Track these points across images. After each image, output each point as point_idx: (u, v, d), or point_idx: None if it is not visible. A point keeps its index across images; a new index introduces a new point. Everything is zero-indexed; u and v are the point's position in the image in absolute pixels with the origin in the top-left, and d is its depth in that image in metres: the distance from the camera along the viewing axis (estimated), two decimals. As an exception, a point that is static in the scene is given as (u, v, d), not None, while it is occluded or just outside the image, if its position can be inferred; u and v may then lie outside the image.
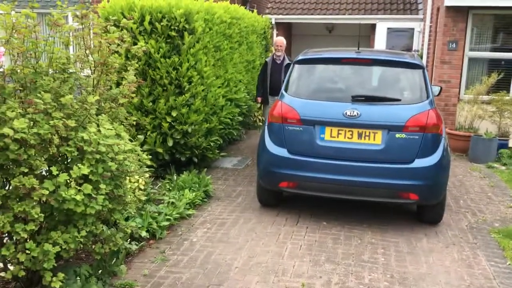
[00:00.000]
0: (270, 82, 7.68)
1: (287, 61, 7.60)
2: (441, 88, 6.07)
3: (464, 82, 8.85)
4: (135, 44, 5.01)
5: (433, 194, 4.67)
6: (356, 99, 4.79)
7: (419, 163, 4.58)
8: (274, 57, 7.74)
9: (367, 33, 16.01)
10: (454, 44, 8.63)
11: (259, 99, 7.99)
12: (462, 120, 8.56)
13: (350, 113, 4.66)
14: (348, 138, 4.70)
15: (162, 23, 5.89)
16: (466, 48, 8.71)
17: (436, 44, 9.58)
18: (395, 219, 5.12)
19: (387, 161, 4.61)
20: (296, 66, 5.25)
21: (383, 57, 5.32)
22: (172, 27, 5.95)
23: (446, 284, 3.74)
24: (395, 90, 5.04)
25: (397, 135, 4.59)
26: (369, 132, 4.65)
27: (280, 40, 7.80)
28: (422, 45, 12.55)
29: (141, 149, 3.81)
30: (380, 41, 15.12)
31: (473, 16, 8.57)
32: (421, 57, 11.13)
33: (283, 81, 6.95)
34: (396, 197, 4.68)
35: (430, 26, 11.03)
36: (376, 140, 4.63)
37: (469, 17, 8.56)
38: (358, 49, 5.35)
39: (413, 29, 14.57)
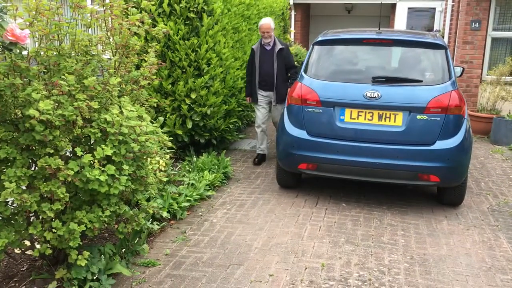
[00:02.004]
0: (260, 73, 6.18)
1: (279, 45, 6.10)
2: (463, 69, 5.96)
3: (487, 63, 8.67)
4: (154, 26, 5.01)
5: (454, 176, 4.63)
6: (376, 80, 4.74)
7: (440, 145, 4.53)
8: (262, 43, 6.15)
9: (387, 13, 15.74)
10: (477, 23, 8.43)
11: (249, 99, 6.42)
12: (484, 101, 8.41)
13: (371, 94, 4.61)
14: (368, 119, 4.66)
15: (181, 5, 5.88)
16: (489, 28, 8.51)
17: (458, 24, 9.37)
18: (415, 201, 5.10)
19: (408, 143, 4.57)
20: (316, 47, 5.20)
21: (405, 37, 5.23)
22: (191, 9, 5.93)
23: (467, 266, 3.73)
24: (416, 71, 4.97)
25: (418, 117, 4.53)
26: (390, 114, 4.61)
27: (266, 24, 6.06)
28: (444, 25, 12.29)
29: (161, 131, 3.84)
30: (400, 21, 14.86)
31: (497, -6, 8.36)
32: (443, 37, 10.92)
33: (277, 71, 6.06)
34: (417, 179, 4.64)
35: (452, 6, 10.79)
36: (396, 121, 4.59)
37: (493, -5, 8.35)
38: (379, 29, 5.27)
39: (434, 8, 14.28)
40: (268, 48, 6.13)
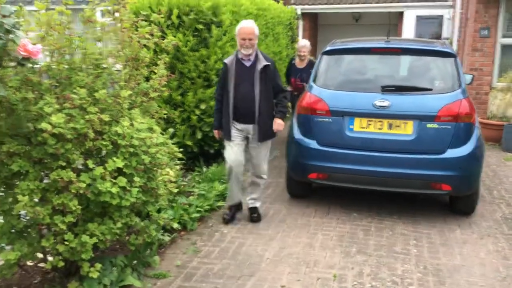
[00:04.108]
0: (235, 98, 4.43)
1: (264, 61, 4.38)
2: (473, 76, 5.93)
3: (497, 70, 8.63)
4: (163, 38, 5.07)
5: (466, 184, 4.59)
6: (386, 89, 4.72)
7: (451, 153, 4.50)
8: (239, 56, 4.44)
9: (394, 22, 15.72)
10: (486, 31, 8.41)
11: (217, 133, 4.74)
12: (494, 109, 8.36)
13: (380, 103, 4.60)
14: (378, 128, 4.65)
15: (189, 16, 5.92)
16: (499, 34, 8.48)
17: (467, 31, 9.35)
18: (427, 210, 5.05)
19: (418, 151, 4.54)
20: (324, 56, 5.21)
21: (414, 46, 5.23)
22: (199, 20, 5.97)
23: (481, 276, 3.68)
24: (426, 79, 4.95)
25: (429, 125, 4.51)
26: (400, 123, 4.59)
27: (248, 28, 4.32)
28: (452, 32, 12.26)
29: (171, 142, 3.86)
30: (408, 30, 14.82)
31: (506, 1, 8.32)
32: (451, 45, 10.89)
33: (260, 97, 4.37)
34: (428, 188, 4.61)
35: (461, 13, 10.77)
36: (407, 130, 4.57)
37: (501, 2, 8.32)
38: (388, 38, 5.27)
39: (442, 16, 14.23)
40: (248, 64, 4.43)
